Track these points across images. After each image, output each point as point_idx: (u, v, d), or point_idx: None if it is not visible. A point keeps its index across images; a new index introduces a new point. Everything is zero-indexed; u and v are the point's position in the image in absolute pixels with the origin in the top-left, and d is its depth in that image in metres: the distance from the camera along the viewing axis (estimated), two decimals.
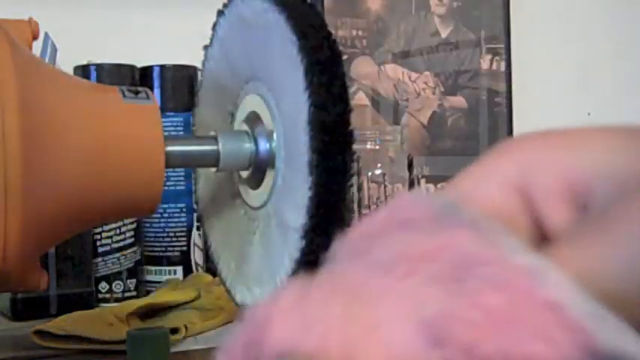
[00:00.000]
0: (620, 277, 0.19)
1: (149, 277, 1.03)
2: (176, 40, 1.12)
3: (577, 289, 0.18)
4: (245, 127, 0.61)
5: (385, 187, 0.82)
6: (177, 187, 1.03)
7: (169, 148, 0.58)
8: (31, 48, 0.61)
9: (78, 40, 1.07)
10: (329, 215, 0.53)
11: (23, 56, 0.53)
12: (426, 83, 1.32)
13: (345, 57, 1.23)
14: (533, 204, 0.22)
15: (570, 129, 0.23)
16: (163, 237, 1.03)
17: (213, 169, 0.62)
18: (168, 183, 1.02)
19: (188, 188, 1.03)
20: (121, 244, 0.99)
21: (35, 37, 0.61)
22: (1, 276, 0.53)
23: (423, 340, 0.18)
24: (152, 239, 1.03)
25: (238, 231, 0.65)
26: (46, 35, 0.86)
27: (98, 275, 0.98)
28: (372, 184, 0.91)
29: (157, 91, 1.04)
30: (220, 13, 0.66)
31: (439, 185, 1.30)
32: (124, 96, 0.58)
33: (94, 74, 1.01)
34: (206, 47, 0.69)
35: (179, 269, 1.03)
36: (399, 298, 0.18)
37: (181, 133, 1.03)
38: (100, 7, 1.14)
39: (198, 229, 1.03)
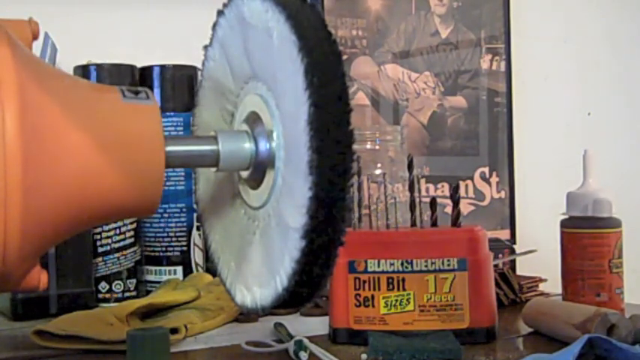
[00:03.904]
0: None
1: (149, 277, 1.03)
2: (176, 40, 1.12)
3: None
4: (245, 127, 0.61)
5: (385, 187, 0.82)
6: (177, 187, 1.03)
7: (169, 148, 0.58)
8: (31, 48, 0.61)
9: (78, 40, 1.07)
10: (329, 215, 0.53)
11: (23, 56, 0.53)
12: (425, 83, 1.32)
13: (345, 57, 1.23)
14: None
15: None
16: (163, 237, 1.03)
17: (213, 169, 0.62)
18: (168, 183, 1.02)
19: (188, 188, 1.03)
20: (121, 244, 0.99)
21: (35, 37, 0.61)
22: (1, 276, 0.53)
23: None
24: (152, 239, 1.03)
25: (238, 231, 0.65)
26: (46, 35, 0.86)
27: (98, 275, 0.98)
28: (372, 184, 0.91)
29: (156, 91, 1.04)
30: (220, 13, 0.66)
31: (439, 185, 1.30)
32: (124, 96, 0.58)
33: (94, 74, 1.01)
34: (206, 47, 0.69)
35: (179, 269, 1.03)
36: None
37: (181, 133, 1.03)
38: (100, 7, 1.14)
39: (198, 229, 1.03)
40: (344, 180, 0.53)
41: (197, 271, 1.04)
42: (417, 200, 0.80)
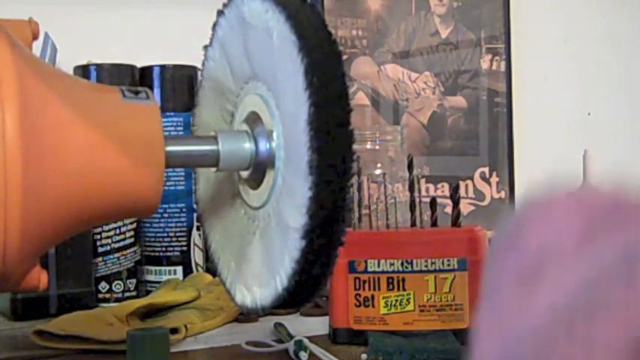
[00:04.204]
0: None
1: (149, 277, 1.03)
2: (176, 40, 1.12)
3: None
4: (245, 127, 0.61)
5: (385, 187, 0.82)
6: (177, 187, 1.03)
7: (169, 148, 0.58)
8: (31, 48, 0.61)
9: (78, 40, 1.07)
10: (329, 215, 0.53)
11: (23, 56, 0.53)
12: (425, 83, 1.32)
13: (345, 57, 1.23)
14: None
15: None
16: (163, 237, 1.03)
17: (213, 169, 0.62)
18: (168, 183, 1.02)
19: (188, 188, 1.03)
20: (121, 244, 0.99)
21: (35, 37, 0.61)
22: (1, 276, 0.53)
23: None
24: (152, 239, 1.03)
25: (238, 231, 0.65)
26: (46, 35, 0.86)
27: (98, 275, 0.98)
28: (372, 184, 0.91)
29: (156, 91, 1.03)
30: (220, 13, 0.66)
31: (439, 185, 1.30)
32: (124, 96, 0.58)
33: (94, 74, 1.01)
34: (206, 47, 0.69)
35: (179, 269, 1.03)
36: None
37: (181, 133, 1.03)
38: (100, 7, 1.14)
39: (198, 229, 1.03)
40: (344, 180, 0.53)
41: (197, 271, 1.04)
42: (417, 200, 0.80)
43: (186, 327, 0.78)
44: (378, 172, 0.98)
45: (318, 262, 0.54)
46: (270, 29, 0.57)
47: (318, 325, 0.81)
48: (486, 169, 1.36)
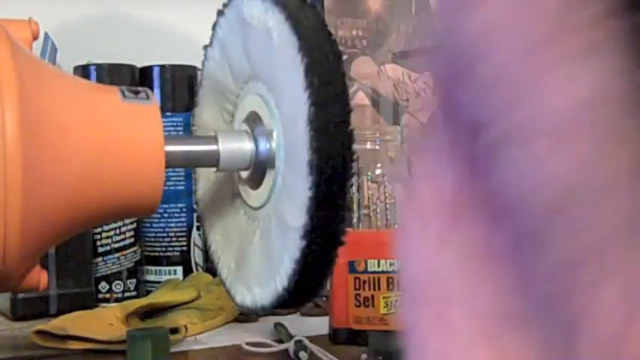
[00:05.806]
0: None
1: (149, 277, 1.03)
2: (176, 40, 1.12)
3: None
4: (245, 127, 0.61)
5: (385, 187, 0.82)
6: (177, 187, 1.03)
7: (169, 148, 0.58)
8: (31, 48, 0.61)
9: (78, 40, 1.07)
10: (329, 215, 0.53)
11: (23, 56, 0.53)
12: (426, 83, 1.32)
13: (345, 57, 1.23)
14: None
15: None
16: (163, 237, 1.03)
17: (213, 169, 0.62)
18: (168, 183, 1.02)
19: (188, 188, 1.02)
20: (121, 244, 0.99)
21: (35, 37, 0.61)
22: (1, 276, 0.53)
23: None
24: (152, 239, 1.03)
25: (238, 231, 0.65)
26: (46, 35, 0.86)
27: (98, 275, 0.98)
28: (372, 184, 0.91)
29: (156, 91, 1.03)
30: (220, 13, 0.66)
31: None
32: (124, 96, 0.58)
33: (94, 74, 1.01)
34: (206, 47, 0.69)
35: (179, 269, 1.03)
36: None
37: (181, 133, 1.03)
38: (100, 7, 1.14)
39: (198, 229, 1.03)
40: (344, 180, 0.53)
41: (197, 271, 1.04)
42: None
43: (186, 327, 0.78)
44: (378, 172, 0.98)
45: (318, 262, 0.54)
46: (270, 29, 0.57)
47: (318, 325, 0.81)
48: None
